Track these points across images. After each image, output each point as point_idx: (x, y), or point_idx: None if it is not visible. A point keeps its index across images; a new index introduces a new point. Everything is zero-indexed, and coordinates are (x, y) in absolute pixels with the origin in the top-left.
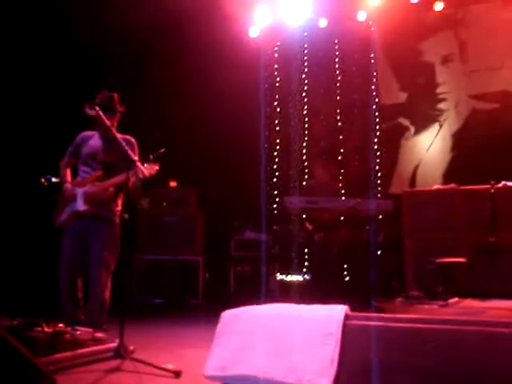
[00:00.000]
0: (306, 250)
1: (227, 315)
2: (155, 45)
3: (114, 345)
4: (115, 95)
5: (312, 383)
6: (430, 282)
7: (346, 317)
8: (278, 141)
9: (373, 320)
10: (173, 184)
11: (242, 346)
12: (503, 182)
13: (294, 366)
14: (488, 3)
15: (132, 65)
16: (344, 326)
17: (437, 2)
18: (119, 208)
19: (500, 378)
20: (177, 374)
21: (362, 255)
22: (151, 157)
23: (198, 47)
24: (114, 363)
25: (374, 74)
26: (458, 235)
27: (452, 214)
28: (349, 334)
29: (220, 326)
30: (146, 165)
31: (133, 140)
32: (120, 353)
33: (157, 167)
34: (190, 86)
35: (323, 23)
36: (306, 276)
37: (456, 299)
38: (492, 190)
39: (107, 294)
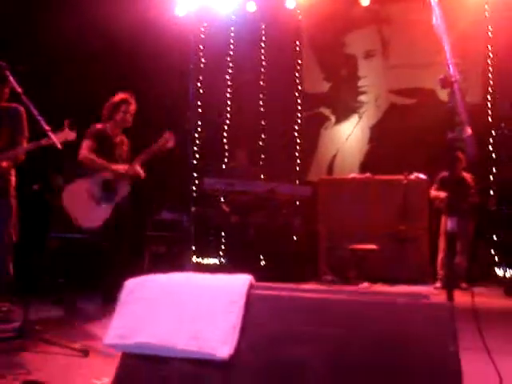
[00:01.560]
0: (222, 233)
1: (131, 283)
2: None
3: (17, 324)
4: (3, 63)
5: (213, 350)
6: (342, 267)
7: (251, 286)
8: (199, 123)
9: (277, 290)
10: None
11: (145, 314)
12: (415, 174)
13: (196, 333)
14: (411, 3)
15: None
16: (248, 295)
17: None
18: (14, 178)
19: (400, 342)
20: (85, 353)
21: (278, 239)
22: (66, 124)
23: (121, 22)
24: (17, 343)
25: (299, 62)
26: (370, 223)
27: (366, 202)
28: (253, 303)
29: (123, 295)
30: (59, 133)
31: (21, 109)
32: (24, 332)
33: (74, 134)
34: (112, 62)
35: (252, 7)
36: (222, 259)
37: (367, 284)
38: (405, 181)
39: (9, 266)
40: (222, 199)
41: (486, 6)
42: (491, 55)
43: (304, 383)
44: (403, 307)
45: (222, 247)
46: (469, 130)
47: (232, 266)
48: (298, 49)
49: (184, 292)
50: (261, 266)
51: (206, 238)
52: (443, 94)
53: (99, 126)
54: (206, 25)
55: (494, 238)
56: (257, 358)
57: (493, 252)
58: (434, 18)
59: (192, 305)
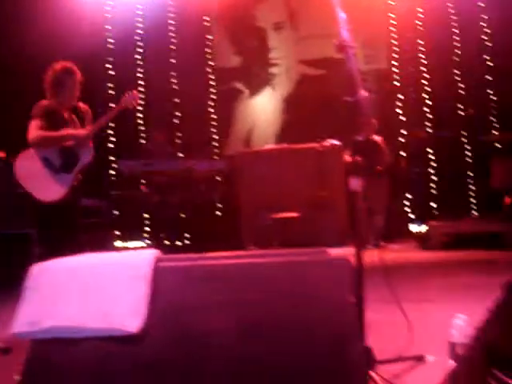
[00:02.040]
0: (144, 215)
1: (35, 269)
2: None
3: None
4: None
5: (122, 325)
6: (265, 237)
7: (158, 259)
8: (112, 105)
9: (184, 260)
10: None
11: (52, 299)
12: (330, 141)
13: (105, 311)
14: None
15: None
16: (155, 267)
17: None
18: None
19: (302, 298)
20: (5, 351)
21: (201, 215)
22: None
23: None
24: None
25: (209, 37)
26: (290, 192)
27: (284, 172)
28: (160, 276)
29: (28, 281)
30: None
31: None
32: None
33: None
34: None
35: None
36: (146, 241)
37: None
38: (320, 149)
39: None
40: (142, 181)
41: None
42: (394, 22)
43: (214, 350)
44: (303, 264)
45: (146, 229)
46: (363, 93)
47: (157, 247)
48: (207, 24)
49: (90, 272)
50: (186, 244)
51: (128, 221)
52: None
53: (45, 102)
54: (112, 3)
55: (408, 196)
56: (167, 329)
57: (407, 210)
58: None
59: (99, 284)
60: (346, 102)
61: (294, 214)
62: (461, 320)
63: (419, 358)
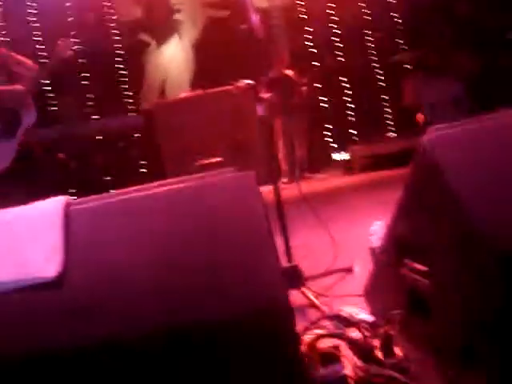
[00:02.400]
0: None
1: None
2: None
3: None
4: None
5: (39, 273)
6: None
7: (67, 204)
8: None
9: (93, 201)
10: None
11: None
12: (244, 81)
13: (20, 262)
14: None
15: None
16: (66, 212)
17: None
18: None
19: (225, 224)
20: None
21: (125, 174)
22: None
23: None
24: None
25: None
26: (210, 137)
27: (202, 117)
28: (74, 219)
29: None
30: None
31: None
32: None
33: None
34: None
35: None
36: None
37: None
38: (235, 91)
39: None
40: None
41: None
42: None
43: (133, 285)
44: (211, 186)
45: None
46: (254, 16)
47: None
48: None
49: (3, 227)
50: None
51: (49, 193)
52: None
53: None
54: None
55: (327, 126)
56: (86, 270)
57: (328, 139)
58: None
59: (13, 237)
60: (242, 30)
61: (218, 159)
62: (377, 225)
63: (347, 270)
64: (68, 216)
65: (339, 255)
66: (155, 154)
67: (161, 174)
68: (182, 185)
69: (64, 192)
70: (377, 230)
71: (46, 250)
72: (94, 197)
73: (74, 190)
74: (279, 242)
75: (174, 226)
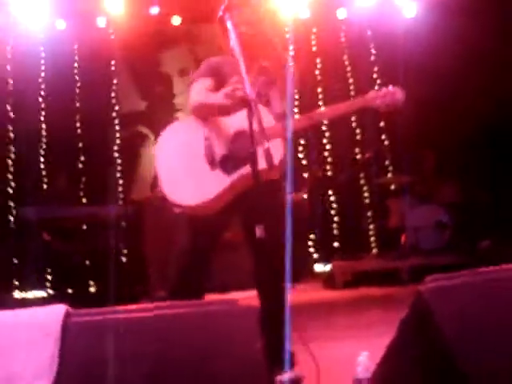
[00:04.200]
0: (46, 263)
1: None
2: None
3: None
4: None
5: None
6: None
7: (67, 315)
8: (12, 149)
9: (94, 315)
10: None
11: None
12: None
13: (12, 374)
14: None
15: None
16: (64, 324)
17: (174, 16)
18: None
19: (223, 352)
20: None
21: (106, 262)
22: None
23: None
24: None
25: (114, 81)
26: None
27: None
28: (70, 333)
29: None
30: None
31: None
32: None
33: None
34: None
35: (61, 25)
36: (49, 290)
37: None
38: None
39: None
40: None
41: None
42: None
43: None
44: (213, 315)
45: (48, 278)
46: (266, 145)
47: (60, 296)
48: (113, 68)
49: None
50: (91, 291)
51: (29, 269)
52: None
53: None
54: (12, 43)
55: (311, 236)
56: None
57: (311, 250)
58: (231, 41)
59: (7, 345)
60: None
61: None
62: (364, 357)
63: None
64: (66, 328)
65: (322, 379)
66: (138, 247)
67: (142, 267)
68: (184, 310)
69: (42, 271)
70: (363, 361)
71: (38, 365)
72: (95, 310)
73: (50, 271)
74: None
75: (174, 350)
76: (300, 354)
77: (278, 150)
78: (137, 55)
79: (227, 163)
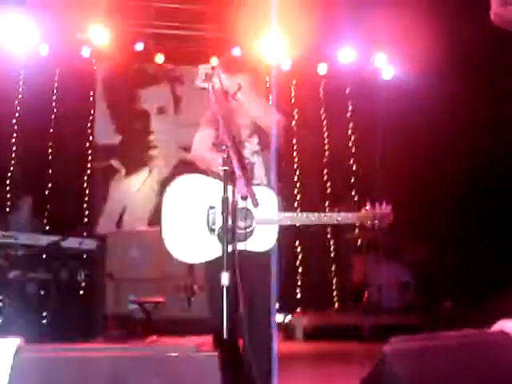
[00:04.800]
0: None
1: None
2: None
3: None
4: None
5: None
6: (130, 320)
7: (18, 350)
8: None
9: (47, 351)
10: None
11: None
12: None
13: None
14: None
15: None
16: (15, 359)
17: (158, 54)
18: None
19: None
20: None
21: (63, 294)
22: None
23: None
24: None
25: (92, 111)
26: (159, 275)
27: (154, 254)
28: (20, 368)
29: None
30: None
31: None
32: None
33: None
34: None
35: (44, 50)
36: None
37: (155, 337)
38: None
39: None
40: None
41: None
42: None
43: None
44: (172, 361)
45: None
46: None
47: (12, 325)
48: (91, 98)
49: None
50: (44, 323)
51: None
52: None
53: None
54: None
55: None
56: None
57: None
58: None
59: None
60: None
61: (160, 299)
62: None
63: None
64: (17, 363)
65: None
66: (100, 281)
67: (101, 302)
68: (141, 353)
69: None
70: None
71: None
72: (47, 346)
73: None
74: None
75: None
76: None
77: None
78: (117, 88)
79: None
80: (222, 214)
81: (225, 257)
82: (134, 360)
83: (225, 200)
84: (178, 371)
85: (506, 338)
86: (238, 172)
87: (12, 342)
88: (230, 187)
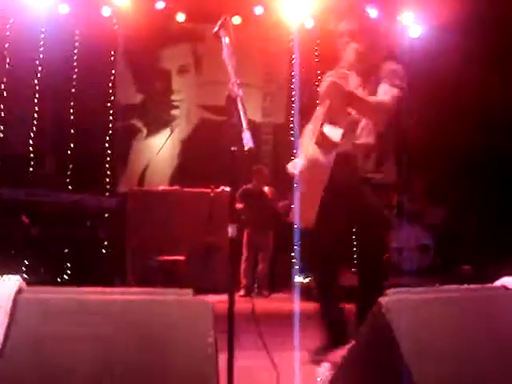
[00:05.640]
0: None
1: None
2: None
3: None
4: None
5: None
6: (150, 278)
7: (19, 290)
8: (1, 128)
9: (46, 293)
10: None
11: None
12: (222, 187)
13: None
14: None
15: None
16: (15, 299)
17: (179, 13)
18: None
19: (173, 342)
20: None
21: (84, 251)
22: None
23: None
24: None
25: (113, 71)
26: (179, 234)
27: (174, 214)
28: (21, 307)
29: None
30: None
31: None
32: None
33: None
34: None
35: (64, 9)
36: (25, 275)
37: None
38: (212, 194)
39: None
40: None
41: (291, 37)
42: (294, 80)
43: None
44: (167, 304)
45: (25, 262)
46: (250, 143)
47: (35, 281)
48: (112, 58)
49: None
50: (66, 280)
51: (5, 253)
52: (250, 112)
53: None
54: (12, 21)
55: (296, 247)
56: (23, 362)
57: (293, 260)
58: (223, 54)
59: None
60: (232, 152)
61: (181, 257)
62: (324, 368)
63: None
64: (17, 303)
65: None
66: (120, 240)
67: (121, 260)
68: (138, 296)
69: (17, 256)
70: (323, 372)
71: None
72: (47, 288)
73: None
74: (224, 360)
75: (121, 335)
76: (265, 361)
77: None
78: (138, 48)
79: None
80: None
81: None
82: (131, 303)
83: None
84: (173, 314)
85: (508, 293)
86: (244, 123)
87: (13, 283)
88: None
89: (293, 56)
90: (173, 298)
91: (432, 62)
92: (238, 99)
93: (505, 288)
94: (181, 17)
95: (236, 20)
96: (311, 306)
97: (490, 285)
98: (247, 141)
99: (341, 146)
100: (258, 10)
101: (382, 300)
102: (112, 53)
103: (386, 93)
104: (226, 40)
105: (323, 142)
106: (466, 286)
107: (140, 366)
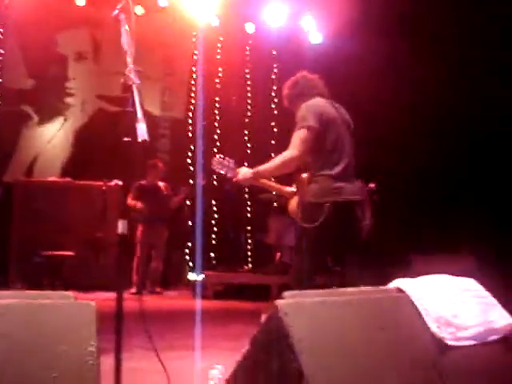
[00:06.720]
0: None
1: None
2: None
3: None
4: None
5: None
6: (36, 274)
7: None
8: None
9: None
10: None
11: None
12: (115, 181)
13: None
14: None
15: None
16: None
17: None
18: None
19: (51, 348)
20: None
21: None
22: None
23: None
24: None
25: (0, 50)
26: (68, 229)
27: (65, 207)
28: None
29: None
30: None
31: None
32: None
33: None
34: None
35: None
36: None
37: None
38: (104, 188)
39: None
40: None
41: (194, 33)
42: (195, 76)
43: None
44: (46, 308)
45: None
46: (144, 135)
47: None
48: (0, 36)
49: None
50: None
51: None
52: (149, 106)
53: None
54: None
55: (189, 244)
56: None
57: (187, 258)
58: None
59: None
60: (124, 142)
61: (70, 253)
62: (217, 370)
63: None
64: None
65: None
66: (3, 234)
67: (3, 256)
68: (17, 300)
69: None
70: (215, 374)
71: None
72: None
73: None
74: (111, 363)
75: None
76: (155, 362)
77: None
78: (32, 30)
79: None
80: None
81: None
82: (8, 307)
83: None
84: (53, 321)
85: (402, 294)
86: (139, 113)
87: None
88: None
89: (195, 52)
90: (53, 302)
91: (333, 67)
92: (134, 87)
93: (399, 290)
94: (81, 1)
95: (139, 10)
96: (204, 303)
97: (384, 287)
98: (142, 132)
99: None
100: (163, 3)
101: (279, 303)
102: (0, 30)
103: (293, 138)
104: (125, 26)
105: None
106: (362, 288)
107: (16, 378)
